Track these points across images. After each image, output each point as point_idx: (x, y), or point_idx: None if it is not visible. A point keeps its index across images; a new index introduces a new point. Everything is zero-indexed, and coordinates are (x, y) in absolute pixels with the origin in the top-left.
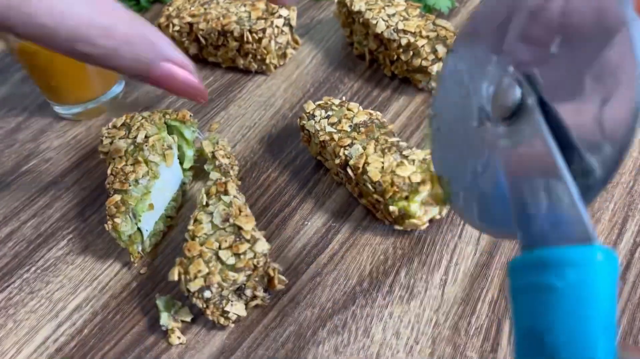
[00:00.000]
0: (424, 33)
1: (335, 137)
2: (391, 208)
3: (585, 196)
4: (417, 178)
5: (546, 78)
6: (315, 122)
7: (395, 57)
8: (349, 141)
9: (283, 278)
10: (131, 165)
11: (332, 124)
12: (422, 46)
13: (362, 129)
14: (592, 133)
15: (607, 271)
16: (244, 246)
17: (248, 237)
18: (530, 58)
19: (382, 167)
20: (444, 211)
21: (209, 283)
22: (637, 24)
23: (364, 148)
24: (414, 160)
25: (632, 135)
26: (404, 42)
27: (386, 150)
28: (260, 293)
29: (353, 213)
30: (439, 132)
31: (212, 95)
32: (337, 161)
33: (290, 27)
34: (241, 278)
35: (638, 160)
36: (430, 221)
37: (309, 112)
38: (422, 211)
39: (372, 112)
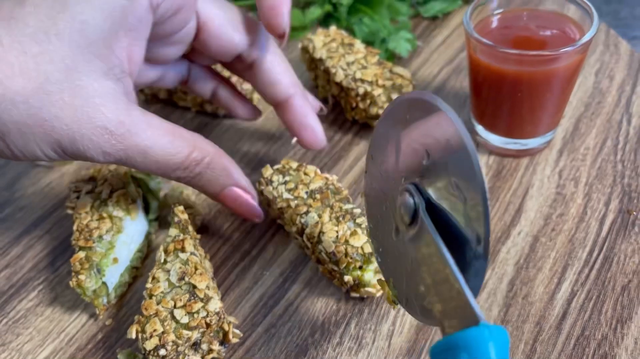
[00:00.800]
0: (380, 82)
1: (292, 204)
2: (346, 277)
3: (478, 277)
4: (369, 249)
5: (428, 184)
6: (273, 188)
7: (355, 104)
8: (304, 209)
9: (238, 332)
10: (96, 220)
11: (289, 190)
12: (379, 95)
13: (318, 196)
14: (468, 227)
15: (496, 344)
16: (197, 305)
17: (202, 296)
18: (414, 170)
19: (337, 236)
20: None
21: (164, 341)
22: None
23: (319, 216)
24: (365, 228)
25: (487, 214)
26: (361, 91)
27: (340, 218)
28: (216, 346)
29: (310, 262)
30: (376, 242)
31: (190, 125)
32: (294, 229)
33: None
34: (195, 335)
35: (580, 208)
36: None
37: (266, 177)
38: (375, 279)
39: (327, 176)
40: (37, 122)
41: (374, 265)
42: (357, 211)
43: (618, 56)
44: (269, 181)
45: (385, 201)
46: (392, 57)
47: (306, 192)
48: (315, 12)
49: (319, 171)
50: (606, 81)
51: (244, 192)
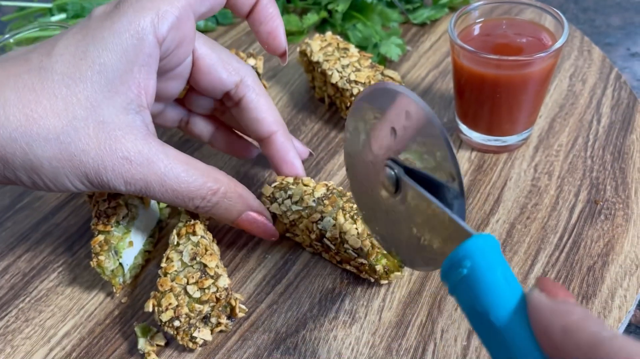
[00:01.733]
0: (372, 83)
1: (304, 213)
2: (377, 267)
3: (460, 208)
4: None
5: (402, 154)
6: (279, 204)
7: (349, 103)
8: (318, 215)
9: (243, 306)
10: (113, 207)
11: (296, 202)
12: None
13: (326, 201)
14: (441, 172)
15: (489, 247)
16: (208, 282)
17: (212, 274)
18: (387, 147)
19: (358, 232)
20: None
21: (178, 314)
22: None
23: (335, 219)
24: None
25: (452, 154)
26: (355, 91)
27: (355, 216)
28: (223, 320)
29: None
30: (372, 222)
31: (179, 141)
32: (313, 236)
33: (258, 74)
34: (206, 309)
35: (553, 198)
36: None
37: (269, 196)
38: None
39: (326, 183)
40: (66, 156)
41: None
42: None
43: (591, 61)
44: (273, 199)
45: (369, 184)
46: (384, 60)
47: (314, 201)
48: (311, 18)
49: (312, 181)
50: (579, 84)
51: (259, 215)
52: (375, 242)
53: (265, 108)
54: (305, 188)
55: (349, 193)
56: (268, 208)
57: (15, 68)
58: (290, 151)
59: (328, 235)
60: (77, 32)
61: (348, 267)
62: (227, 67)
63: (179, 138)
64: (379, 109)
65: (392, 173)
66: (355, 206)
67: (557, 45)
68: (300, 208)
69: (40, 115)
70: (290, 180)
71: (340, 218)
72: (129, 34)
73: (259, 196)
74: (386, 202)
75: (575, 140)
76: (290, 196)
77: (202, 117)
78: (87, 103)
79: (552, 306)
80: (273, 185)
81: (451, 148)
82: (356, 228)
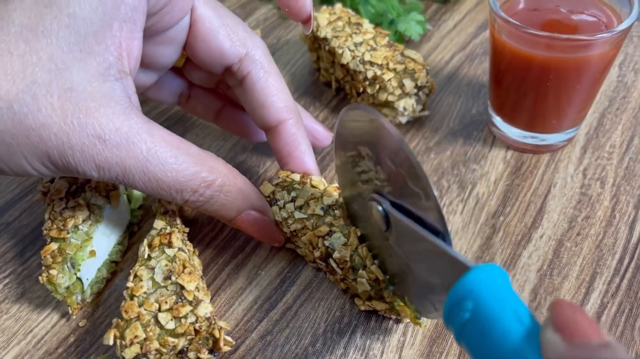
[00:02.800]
0: (391, 65)
1: (309, 224)
2: (404, 310)
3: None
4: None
5: (390, 190)
6: (281, 208)
7: (362, 89)
8: (326, 229)
9: (229, 339)
10: (71, 208)
11: (299, 207)
12: (389, 80)
13: (337, 212)
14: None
15: (492, 280)
16: (185, 309)
17: (190, 298)
18: (378, 182)
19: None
20: None
21: (146, 350)
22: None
23: (347, 236)
24: None
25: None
26: (370, 74)
27: None
28: (204, 355)
29: None
30: (383, 267)
31: (170, 121)
32: (317, 253)
33: None
34: (182, 343)
35: (608, 211)
36: None
37: (268, 196)
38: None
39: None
40: (22, 130)
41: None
42: None
43: None
44: (274, 200)
45: (367, 221)
46: (401, 40)
47: (322, 208)
48: None
49: (324, 181)
50: (631, 74)
51: (261, 215)
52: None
53: (274, 91)
54: (313, 190)
55: None
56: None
57: None
58: (301, 144)
59: (336, 255)
60: None
61: (360, 304)
62: (230, 36)
63: (167, 117)
64: (359, 137)
65: (380, 208)
66: None
67: (626, 24)
68: (305, 216)
69: None
70: (297, 177)
71: (353, 236)
72: None
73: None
74: (385, 242)
75: (631, 141)
76: (293, 199)
77: (205, 91)
78: (51, 64)
79: (567, 353)
80: (275, 182)
81: (425, 177)
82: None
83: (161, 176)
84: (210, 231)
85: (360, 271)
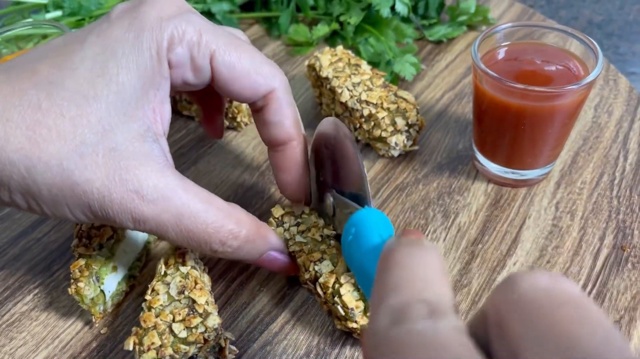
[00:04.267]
0: (385, 105)
1: (306, 248)
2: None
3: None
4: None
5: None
6: (285, 230)
7: (358, 124)
8: (318, 255)
9: (234, 348)
10: (96, 228)
11: (302, 232)
12: (383, 118)
13: (333, 242)
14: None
15: (371, 215)
16: (196, 321)
17: (201, 311)
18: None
19: (355, 289)
20: None
21: (162, 355)
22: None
23: (335, 265)
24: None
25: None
26: (365, 112)
27: None
28: None
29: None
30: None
31: (183, 149)
32: (307, 276)
33: None
34: (192, 350)
35: (575, 241)
36: None
37: (277, 218)
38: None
39: None
40: (69, 185)
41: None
42: None
43: (617, 92)
44: (281, 222)
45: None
46: (396, 79)
47: (320, 236)
48: (322, 29)
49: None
50: (605, 116)
51: (279, 254)
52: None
53: (288, 121)
54: (316, 220)
55: None
56: (273, 231)
57: (21, 82)
58: (301, 167)
59: (321, 280)
60: (95, 43)
61: (338, 325)
62: (256, 78)
63: (180, 146)
64: (320, 139)
65: (331, 199)
66: None
67: (591, 77)
68: (304, 240)
69: (44, 138)
70: (307, 209)
71: (340, 266)
72: (149, 53)
73: (266, 214)
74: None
75: (600, 178)
76: (298, 224)
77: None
78: (98, 126)
79: (391, 241)
80: (286, 210)
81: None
82: (353, 284)
83: (192, 228)
84: None
85: (336, 298)
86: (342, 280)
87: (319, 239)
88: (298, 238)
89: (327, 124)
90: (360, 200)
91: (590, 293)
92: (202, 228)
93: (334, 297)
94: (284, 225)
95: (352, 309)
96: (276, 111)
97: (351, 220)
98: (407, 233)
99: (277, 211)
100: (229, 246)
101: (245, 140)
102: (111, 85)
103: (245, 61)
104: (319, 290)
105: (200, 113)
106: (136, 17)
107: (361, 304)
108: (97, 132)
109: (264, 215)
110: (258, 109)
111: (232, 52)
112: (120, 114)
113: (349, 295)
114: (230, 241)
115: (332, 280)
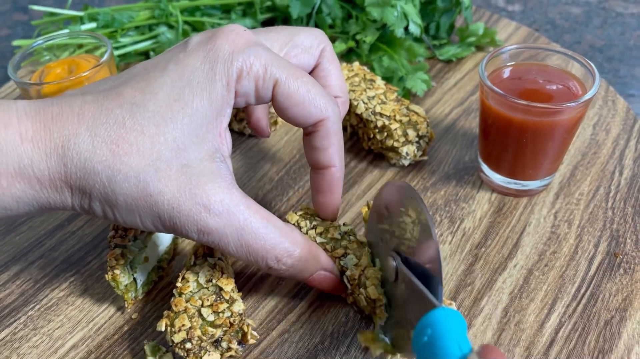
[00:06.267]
0: (397, 117)
1: (328, 247)
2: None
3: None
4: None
5: (403, 249)
6: (304, 234)
7: (372, 135)
8: (342, 251)
9: (255, 333)
10: None
11: (320, 234)
12: (395, 129)
13: (352, 237)
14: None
15: (448, 318)
16: (223, 306)
17: (227, 297)
18: (395, 243)
19: (379, 283)
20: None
21: (191, 336)
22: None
23: (359, 258)
24: None
25: (439, 262)
26: (379, 124)
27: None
28: (234, 345)
29: None
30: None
31: None
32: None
33: None
34: (218, 332)
35: (572, 247)
36: None
37: (294, 223)
38: None
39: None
40: (142, 195)
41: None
42: None
43: (615, 112)
44: (297, 227)
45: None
46: (408, 94)
47: (339, 233)
48: (338, 46)
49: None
50: (602, 134)
51: (329, 274)
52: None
53: (334, 150)
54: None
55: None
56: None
57: (108, 102)
58: (336, 190)
59: (348, 273)
60: (173, 71)
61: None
62: (310, 108)
63: None
64: (389, 203)
65: (394, 263)
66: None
67: (588, 96)
68: (325, 240)
69: (126, 152)
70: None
71: (364, 259)
72: (221, 83)
73: (285, 216)
74: (392, 286)
75: (597, 190)
76: (314, 227)
77: None
78: (174, 144)
79: None
80: (299, 213)
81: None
82: (378, 277)
83: (252, 243)
84: None
85: (361, 289)
86: (369, 274)
87: (339, 237)
88: (319, 240)
89: (397, 188)
90: (429, 280)
91: (584, 294)
92: (261, 244)
93: (359, 288)
94: (302, 230)
95: (374, 301)
96: (323, 138)
97: (428, 319)
98: (488, 352)
99: (292, 218)
100: (283, 263)
101: (266, 147)
102: (186, 109)
103: (302, 92)
104: (345, 282)
105: (249, 117)
106: (211, 49)
107: (383, 299)
108: (172, 149)
109: (281, 217)
110: (308, 133)
111: (291, 83)
112: (193, 136)
113: (373, 289)
114: (285, 259)
115: (358, 273)
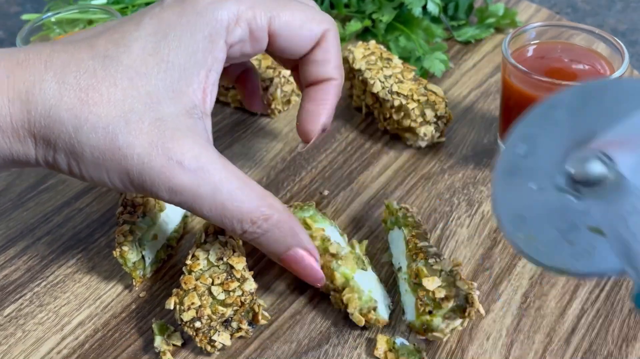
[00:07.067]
0: (415, 96)
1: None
2: (415, 322)
3: None
4: (441, 294)
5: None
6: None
7: (388, 115)
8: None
9: (266, 314)
10: (141, 197)
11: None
12: (413, 109)
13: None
14: None
15: None
16: (234, 284)
17: (238, 276)
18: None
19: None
20: (466, 323)
21: (200, 314)
22: None
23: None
24: (439, 271)
25: None
26: (396, 103)
27: (414, 256)
28: (244, 325)
29: None
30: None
31: (219, 132)
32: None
33: (288, 81)
34: (229, 312)
35: None
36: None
37: None
38: (444, 324)
39: (407, 206)
40: (110, 148)
41: (443, 311)
42: (432, 249)
43: None
44: None
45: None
46: (426, 75)
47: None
48: (354, 25)
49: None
50: None
51: (307, 255)
52: (421, 295)
53: (333, 60)
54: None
55: (424, 226)
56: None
57: (79, 53)
58: (330, 105)
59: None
60: (148, 24)
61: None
62: (310, 27)
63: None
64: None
65: (600, 166)
66: (420, 244)
67: (618, 73)
68: None
69: (95, 102)
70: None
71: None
72: (202, 34)
73: (296, 197)
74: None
75: None
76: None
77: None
78: (147, 98)
79: None
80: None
81: None
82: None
83: (228, 205)
84: None
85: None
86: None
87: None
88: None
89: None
90: None
91: (607, 281)
92: (237, 206)
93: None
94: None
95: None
96: (326, 50)
97: None
98: None
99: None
100: (258, 226)
101: (278, 127)
102: (161, 64)
103: (297, 15)
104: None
105: (242, 94)
106: (189, 2)
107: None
108: (145, 103)
109: (294, 197)
110: (307, 53)
111: (285, 12)
112: (169, 90)
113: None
114: (260, 222)
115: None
